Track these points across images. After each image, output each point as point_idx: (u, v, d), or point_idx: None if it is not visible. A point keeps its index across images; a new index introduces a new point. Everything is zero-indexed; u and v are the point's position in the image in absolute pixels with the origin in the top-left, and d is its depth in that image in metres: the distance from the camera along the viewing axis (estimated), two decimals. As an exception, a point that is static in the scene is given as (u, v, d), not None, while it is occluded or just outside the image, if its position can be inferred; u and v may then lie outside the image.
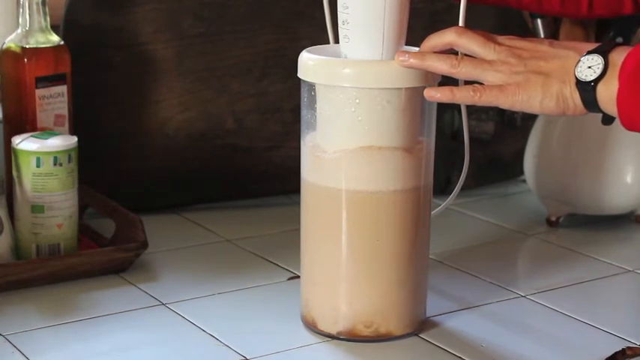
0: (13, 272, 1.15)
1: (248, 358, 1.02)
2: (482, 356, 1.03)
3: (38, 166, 1.19)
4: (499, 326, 1.11)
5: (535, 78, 0.96)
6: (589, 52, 0.95)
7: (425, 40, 1.01)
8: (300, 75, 1.04)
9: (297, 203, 1.08)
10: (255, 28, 1.43)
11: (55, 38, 1.28)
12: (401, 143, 1.02)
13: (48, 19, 1.28)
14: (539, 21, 1.39)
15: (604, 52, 0.94)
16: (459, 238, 1.37)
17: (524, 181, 1.54)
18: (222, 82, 1.43)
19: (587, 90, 0.94)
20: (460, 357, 1.03)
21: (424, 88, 1.01)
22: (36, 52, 1.27)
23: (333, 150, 1.03)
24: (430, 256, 1.13)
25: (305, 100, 1.05)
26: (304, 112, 1.06)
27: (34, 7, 1.26)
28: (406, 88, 1.01)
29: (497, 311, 1.14)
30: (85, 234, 1.29)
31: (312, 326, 1.08)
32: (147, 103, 1.41)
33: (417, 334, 1.08)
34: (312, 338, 1.07)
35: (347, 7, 1.02)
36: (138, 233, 1.23)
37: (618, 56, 0.94)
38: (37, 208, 1.20)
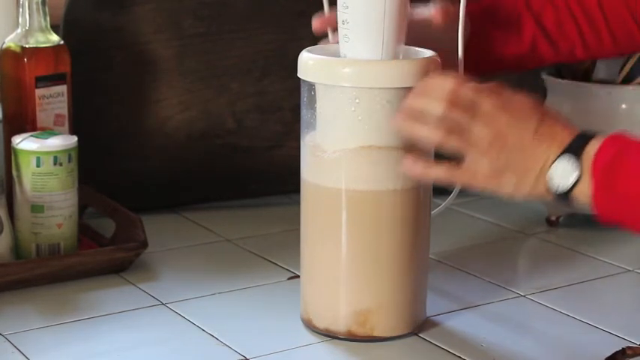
0: (13, 272, 1.15)
1: (248, 357, 1.02)
2: (482, 356, 1.03)
3: (38, 165, 1.19)
4: (499, 326, 1.11)
5: (509, 176, 0.95)
6: (565, 151, 0.93)
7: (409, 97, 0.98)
8: (300, 75, 1.04)
9: (297, 203, 1.08)
10: (255, 28, 1.43)
11: (54, 38, 1.28)
12: (401, 143, 1.02)
13: (48, 18, 1.28)
14: None
15: (579, 149, 0.92)
16: (458, 238, 1.37)
17: (524, 180, 1.54)
18: (222, 81, 1.43)
19: (561, 198, 0.94)
20: (460, 357, 1.03)
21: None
22: (36, 51, 1.27)
23: (333, 150, 1.03)
24: (430, 256, 1.13)
25: (305, 99, 1.05)
26: (304, 112, 1.06)
27: (34, 6, 1.26)
28: (406, 88, 1.01)
29: (497, 311, 1.14)
30: (85, 234, 1.29)
31: (311, 326, 1.08)
32: (147, 103, 1.41)
33: (417, 334, 1.08)
34: (311, 338, 1.07)
35: (347, 7, 1.02)
36: (138, 233, 1.23)
37: (592, 149, 0.92)
38: (36, 208, 1.19)
